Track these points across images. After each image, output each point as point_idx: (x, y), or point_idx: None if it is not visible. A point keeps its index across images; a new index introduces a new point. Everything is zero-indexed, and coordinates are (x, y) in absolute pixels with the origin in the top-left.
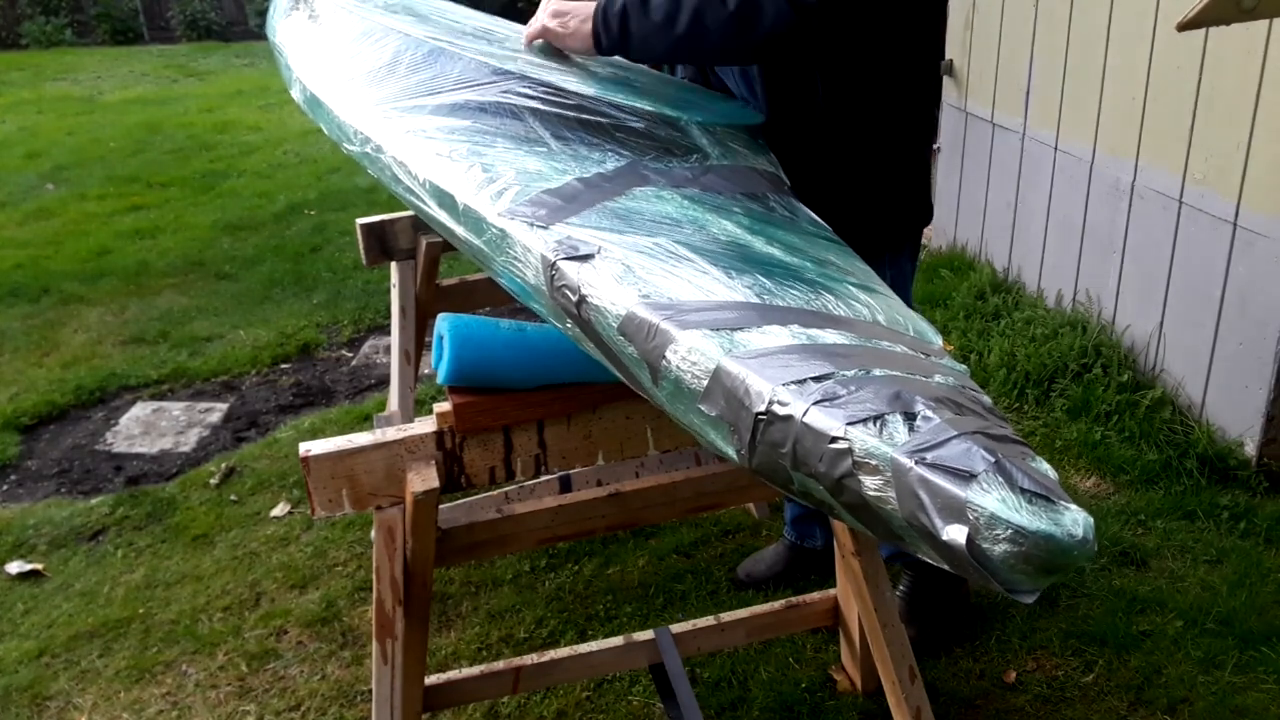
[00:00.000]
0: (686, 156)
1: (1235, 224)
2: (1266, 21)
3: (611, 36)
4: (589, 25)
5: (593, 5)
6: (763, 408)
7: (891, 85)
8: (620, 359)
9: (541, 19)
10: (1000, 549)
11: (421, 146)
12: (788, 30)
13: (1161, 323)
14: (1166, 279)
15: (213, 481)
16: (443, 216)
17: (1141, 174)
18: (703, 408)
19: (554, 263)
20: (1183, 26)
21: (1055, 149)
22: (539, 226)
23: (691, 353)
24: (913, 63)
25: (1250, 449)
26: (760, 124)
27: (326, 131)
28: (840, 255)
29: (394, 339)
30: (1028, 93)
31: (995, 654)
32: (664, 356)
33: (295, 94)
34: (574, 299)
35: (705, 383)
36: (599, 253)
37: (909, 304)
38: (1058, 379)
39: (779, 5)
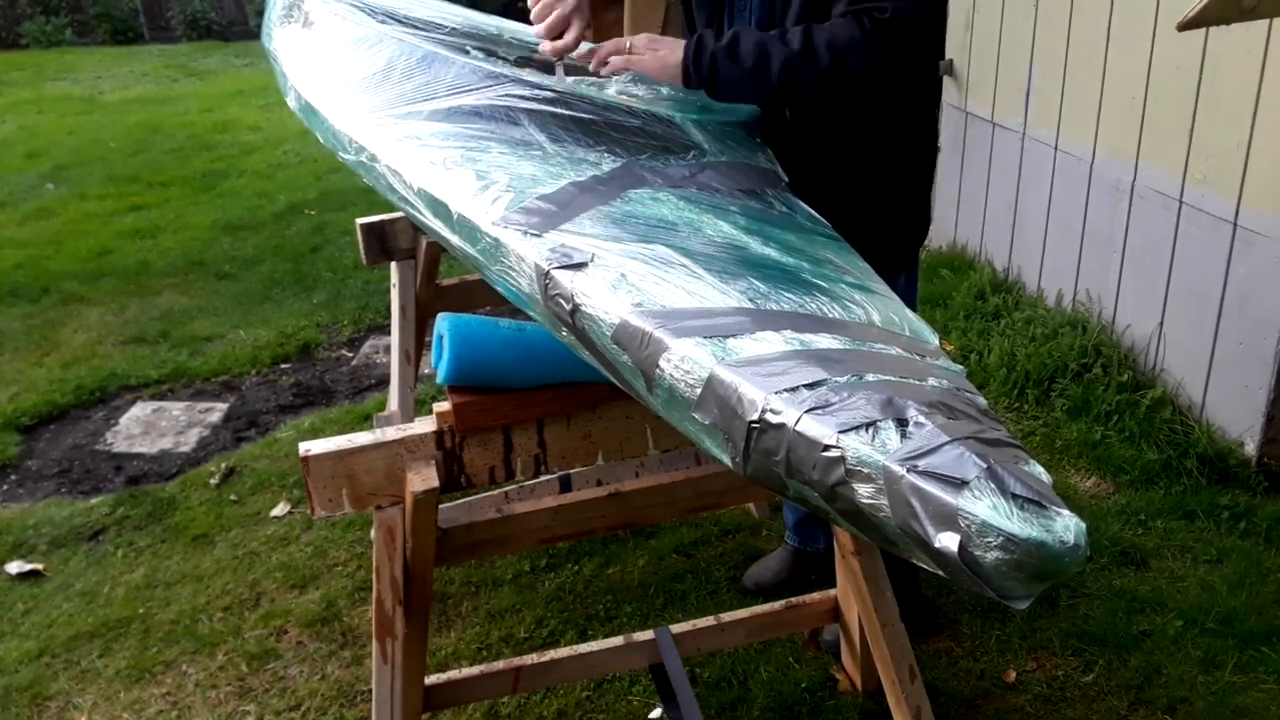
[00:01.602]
0: (683, 154)
1: (1235, 224)
2: (1266, 21)
3: (701, 76)
4: (678, 57)
5: (683, 41)
6: (755, 416)
7: (894, 96)
8: (615, 367)
9: (632, 42)
10: (992, 556)
11: (415, 154)
12: (876, 79)
13: (1161, 323)
14: (1166, 279)
15: (213, 481)
16: (438, 225)
17: (1141, 174)
18: (696, 416)
19: (548, 271)
20: (1183, 26)
21: (1055, 149)
22: (533, 235)
23: (685, 361)
24: (916, 73)
25: (1250, 449)
26: (757, 118)
27: (322, 140)
28: (838, 252)
29: (394, 339)
30: (1028, 93)
31: (995, 654)
32: (658, 365)
33: (291, 102)
34: (568, 308)
35: (699, 391)
36: (592, 260)
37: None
38: (1058, 379)
39: (866, 62)
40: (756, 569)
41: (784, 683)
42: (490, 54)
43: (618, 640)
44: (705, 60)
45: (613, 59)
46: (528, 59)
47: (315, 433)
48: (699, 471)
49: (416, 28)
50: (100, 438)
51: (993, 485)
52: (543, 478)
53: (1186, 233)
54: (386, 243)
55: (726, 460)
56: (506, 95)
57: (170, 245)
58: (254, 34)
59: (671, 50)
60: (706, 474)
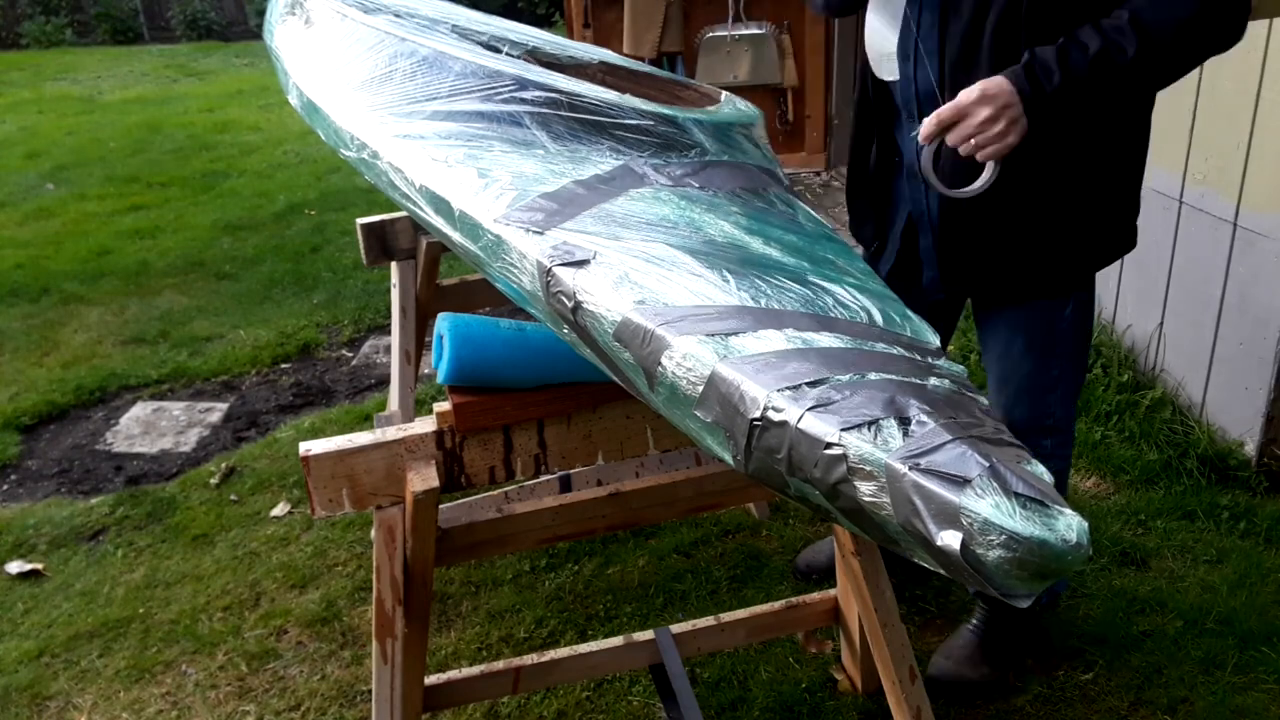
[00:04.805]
0: (685, 152)
1: (1235, 224)
2: (1266, 21)
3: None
4: (1020, 113)
5: (1000, 92)
6: (757, 414)
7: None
8: (617, 364)
9: (965, 114)
10: (994, 555)
11: (417, 152)
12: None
13: (1161, 323)
14: (1166, 279)
15: (213, 481)
16: (439, 223)
17: None
18: (698, 414)
19: (549, 269)
20: None
21: None
22: (534, 232)
23: (686, 358)
24: None
25: (1250, 449)
26: (760, 120)
27: (323, 137)
28: (839, 254)
29: (394, 339)
30: None
31: None
32: (659, 362)
33: (292, 99)
34: (570, 305)
35: (700, 389)
36: (594, 258)
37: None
38: None
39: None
40: (809, 552)
41: (784, 683)
42: (492, 52)
43: (618, 640)
44: (1048, 109)
45: (970, 149)
46: (529, 58)
47: (315, 433)
48: (699, 471)
49: (418, 27)
50: (100, 438)
51: (995, 484)
52: (543, 478)
53: (1186, 233)
54: (387, 243)
55: (728, 458)
56: (508, 95)
57: (170, 245)
58: (254, 34)
59: (1011, 115)
60: (706, 474)
